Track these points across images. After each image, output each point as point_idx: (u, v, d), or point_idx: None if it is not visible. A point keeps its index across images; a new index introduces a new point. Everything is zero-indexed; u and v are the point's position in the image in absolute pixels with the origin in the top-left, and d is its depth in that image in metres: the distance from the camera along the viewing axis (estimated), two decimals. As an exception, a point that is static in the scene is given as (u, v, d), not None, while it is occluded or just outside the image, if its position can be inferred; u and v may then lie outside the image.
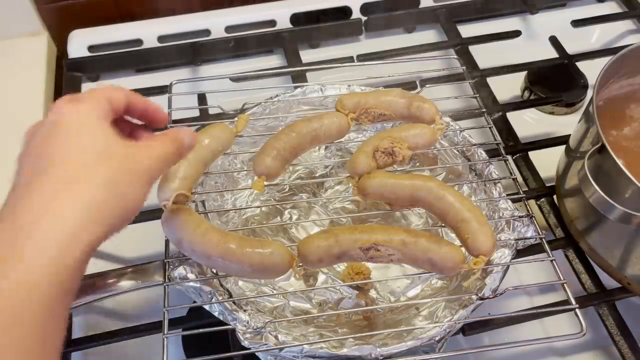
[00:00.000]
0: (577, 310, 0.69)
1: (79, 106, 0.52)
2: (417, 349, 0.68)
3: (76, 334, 0.80)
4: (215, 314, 0.70)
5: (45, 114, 1.07)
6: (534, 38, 1.23)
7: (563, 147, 0.90)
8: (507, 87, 1.14)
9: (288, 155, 0.76)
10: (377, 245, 0.67)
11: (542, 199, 0.92)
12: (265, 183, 0.74)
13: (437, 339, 0.68)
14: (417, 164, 0.92)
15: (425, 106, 0.81)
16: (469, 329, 0.76)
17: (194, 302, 0.72)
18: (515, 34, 1.19)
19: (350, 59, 1.12)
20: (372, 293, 0.82)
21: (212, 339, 0.75)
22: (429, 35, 1.24)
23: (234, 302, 0.70)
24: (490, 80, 1.09)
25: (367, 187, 0.73)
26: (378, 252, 0.68)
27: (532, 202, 0.91)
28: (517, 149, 0.98)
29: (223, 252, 0.64)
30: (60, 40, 1.18)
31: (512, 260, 0.75)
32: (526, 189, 0.94)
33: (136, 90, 1.05)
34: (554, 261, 0.73)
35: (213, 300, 0.70)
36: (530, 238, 0.77)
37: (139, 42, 1.16)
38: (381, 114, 0.81)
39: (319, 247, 0.68)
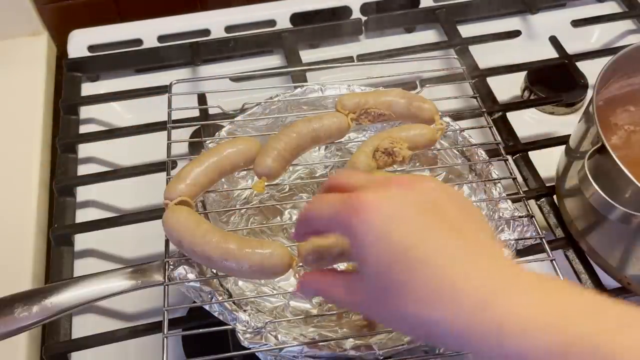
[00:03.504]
0: (577, 310, 0.69)
1: None
2: (417, 349, 0.68)
3: (76, 334, 0.80)
4: (215, 314, 0.70)
5: (45, 114, 1.08)
6: (534, 38, 1.23)
7: (563, 147, 0.90)
8: (507, 87, 1.14)
9: (288, 156, 0.76)
10: None
11: (542, 199, 0.92)
12: (265, 183, 0.75)
13: (437, 339, 0.68)
14: (417, 164, 0.92)
15: (425, 106, 0.81)
16: (469, 329, 0.76)
17: (194, 302, 0.72)
18: (515, 34, 1.19)
19: (350, 59, 1.12)
20: (372, 293, 0.82)
21: (212, 339, 0.75)
22: (429, 35, 1.24)
23: (234, 302, 0.70)
24: (490, 80, 1.09)
25: (367, 187, 0.73)
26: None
27: (532, 202, 0.91)
28: (517, 149, 0.98)
29: (223, 252, 0.64)
30: (60, 40, 1.18)
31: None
32: (526, 189, 0.94)
33: (136, 90, 1.07)
34: (554, 261, 0.73)
35: (213, 300, 0.70)
36: (530, 238, 0.77)
37: (139, 42, 1.16)
38: (381, 114, 0.81)
39: (319, 246, 0.67)
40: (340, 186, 0.52)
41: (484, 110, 0.89)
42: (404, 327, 0.47)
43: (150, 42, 1.16)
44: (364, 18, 1.20)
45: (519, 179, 0.93)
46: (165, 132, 0.83)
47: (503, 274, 0.42)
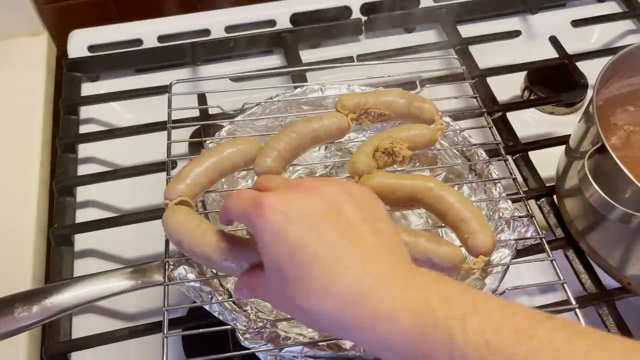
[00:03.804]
0: (577, 310, 0.69)
1: None
2: (417, 349, 0.68)
3: (76, 334, 0.80)
4: (215, 314, 0.70)
5: (45, 114, 1.08)
6: (534, 38, 1.23)
7: (563, 147, 0.90)
8: (507, 87, 1.14)
9: (288, 156, 0.76)
10: None
11: (542, 199, 0.92)
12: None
13: (437, 339, 0.68)
14: (417, 164, 0.92)
15: (425, 106, 0.81)
16: (469, 329, 0.76)
17: (194, 302, 0.72)
18: (515, 34, 1.19)
19: (350, 59, 1.12)
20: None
21: (212, 339, 0.75)
22: (429, 35, 1.24)
23: (233, 302, 0.70)
24: (490, 80, 1.09)
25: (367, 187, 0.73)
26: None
27: (532, 202, 0.91)
28: (517, 149, 0.98)
29: (223, 252, 0.64)
30: (60, 40, 1.18)
31: (512, 261, 0.75)
32: (526, 189, 0.94)
33: (136, 90, 1.07)
34: (554, 261, 0.73)
35: (213, 300, 0.70)
36: (530, 238, 0.77)
37: (139, 42, 1.16)
38: (381, 114, 0.81)
39: None
40: (262, 187, 0.57)
41: (484, 110, 0.89)
42: (302, 318, 0.50)
43: (150, 42, 1.16)
44: (364, 18, 1.20)
45: (519, 179, 0.93)
46: (165, 132, 0.83)
47: (381, 271, 0.47)
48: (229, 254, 0.64)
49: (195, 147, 0.99)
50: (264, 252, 0.51)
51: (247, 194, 0.54)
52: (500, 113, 1.03)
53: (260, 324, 0.68)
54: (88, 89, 1.13)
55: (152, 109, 1.01)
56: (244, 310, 0.70)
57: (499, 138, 0.87)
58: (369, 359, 0.67)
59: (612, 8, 1.29)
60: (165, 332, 0.66)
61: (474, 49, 1.14)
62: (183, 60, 1.14)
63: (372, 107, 0.80)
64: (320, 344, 0.67)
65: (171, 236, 0.68)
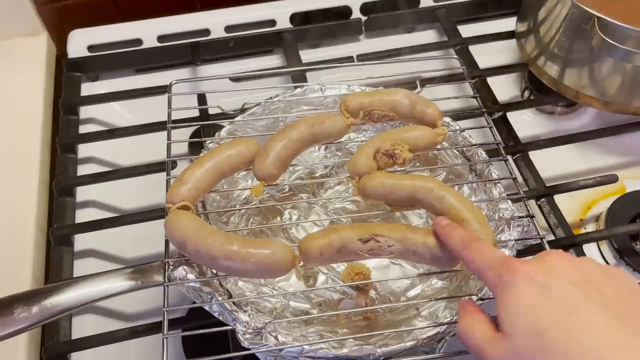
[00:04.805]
0: (577, 310, 0.69)
1: None
2: (417, 350, 0.68)
3: (76, 334, 0.80)
4: (215, 314, 0.70)
5: (45, 114, 1.08)
6: (534, 38, 1.23)
7: (563, 146, 0.90)
8: (507, 87, 1.14)
9: (288, 157, 0.76)
10: (377, 235, 0.68)
11: (542, 199, 0.92)
12: (266, 184, 0.75)
13: (437, 339, 0.68)
14: (417, 164, 0.92)
15: (429, 111, 0.80)
16: (469, 329, 0.76)
17: (194, 302, 0.72)
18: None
19: (350, 59, 1.12)
20: (372, 293, 0.82)
21: (212, 339, 0.75)
22: (429, 35, 1.24)
23: (233, 303, 0.70)
24: (490, 80, 1.09)
25: (368, 188, 0.73)
26: (378, 244, 0.68)
27: (532, 202, 0.91)
28: (517, 149, 0.98)
29: (227, 253, 0.64)
30: (60, 40, 1.18)
31: (512, 261, 0.75)
32: (526, 189, 0.94)
33: (136, 90, 1.07)
34: (554, 261, 0.73)
35: (213, 300, 0.70)
36: (530, 238, 0.77)
37: (138, 42, 1.16)
38: (385, 115, 0.81)
39: (319, 240, 0.68)
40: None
41: (484, 110, 0.89)
42: None
43: (150, 42, 1.16)
44: (364, 18, 1.20)
45: (519, 179, 0.93)
46: (165, 132, 0.83)
47: None
48: (233, 253, 0.64)
49: (195, 147, 0.99)
50: (510, 321, 0.50)
51: (492, 254, 0.55)
52: (500, 113, 1.03)
53: (260, 325, 0.68)
54: (88, 89, 1.13)
55: (152, 109, 1.01)
56: (244, 311, 0.70)
57: (499, 138, 0.87)
58: (369, 359, 0.67)
59: (612, 8, 1.29)
60: (165, 333, 0.66)
61: (474, 49, 1.14)
62: (183, 60, 1.14)
63: (377, 108, 0.81)
64: (320, 344, 0.67)
65: (174, 238, 0.68)
